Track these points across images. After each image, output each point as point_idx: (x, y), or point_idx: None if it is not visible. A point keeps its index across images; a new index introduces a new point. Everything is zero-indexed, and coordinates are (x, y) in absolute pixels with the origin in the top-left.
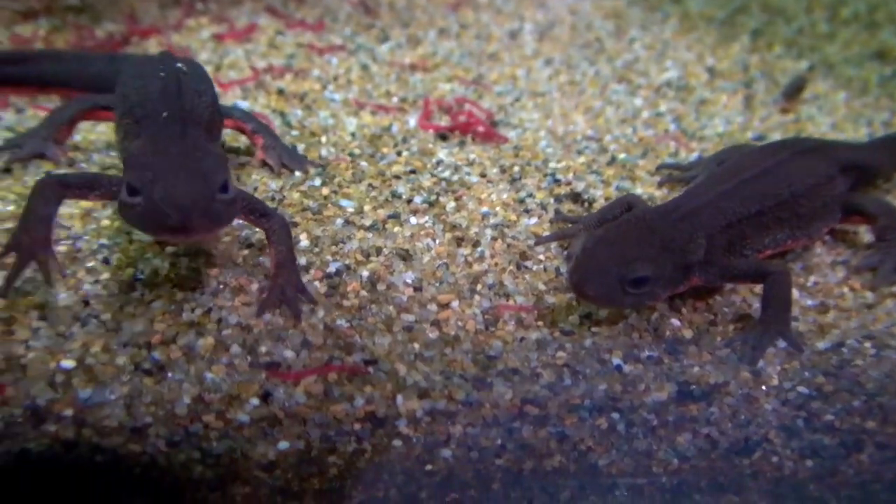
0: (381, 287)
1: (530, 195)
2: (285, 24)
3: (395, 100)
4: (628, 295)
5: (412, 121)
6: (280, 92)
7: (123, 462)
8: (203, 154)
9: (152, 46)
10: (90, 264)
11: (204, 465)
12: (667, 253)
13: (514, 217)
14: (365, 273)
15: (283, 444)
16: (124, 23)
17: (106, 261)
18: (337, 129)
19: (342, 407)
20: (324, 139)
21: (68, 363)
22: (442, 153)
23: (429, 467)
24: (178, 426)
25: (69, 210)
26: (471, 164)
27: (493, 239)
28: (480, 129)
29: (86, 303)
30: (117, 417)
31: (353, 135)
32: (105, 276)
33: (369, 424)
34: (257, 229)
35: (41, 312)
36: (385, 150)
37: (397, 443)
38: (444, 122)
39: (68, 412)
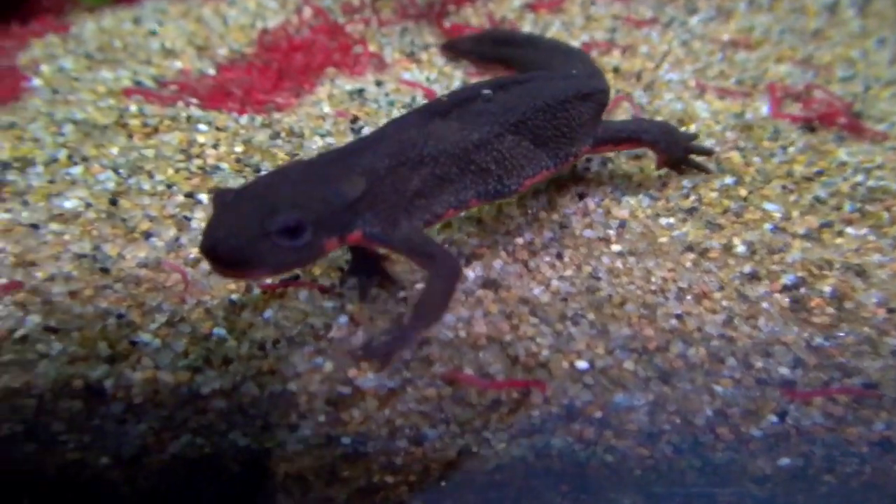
0: (848, 305)
1: None
2: None
3: (732, 81)
4: None
5: (764, 108)
6: (616, 70)
7: (626, 463)
8: (293, 192)
9: (470, 16)
10: (546, 259)
11: (700, 472)
12: None
13: None
14: (826, 289)
15: (784, 461)
16: None
17: (559, 255)
18: (692, 115)
19: (857, 430)
20: (693, 127)
21: (582, 363)
22: (842, 153)
23: None
24: (691, 435)
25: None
26: (880, 167)
27: None
28: (842, 120)
29: (564, 300)
30: (639, 423)
31: (717, 123)
32: (568, 272)
33: (878, 449)
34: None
35: (528, 307)
36: (764, 143)
37: None
38: (797, 110)
39: (598, 414)
